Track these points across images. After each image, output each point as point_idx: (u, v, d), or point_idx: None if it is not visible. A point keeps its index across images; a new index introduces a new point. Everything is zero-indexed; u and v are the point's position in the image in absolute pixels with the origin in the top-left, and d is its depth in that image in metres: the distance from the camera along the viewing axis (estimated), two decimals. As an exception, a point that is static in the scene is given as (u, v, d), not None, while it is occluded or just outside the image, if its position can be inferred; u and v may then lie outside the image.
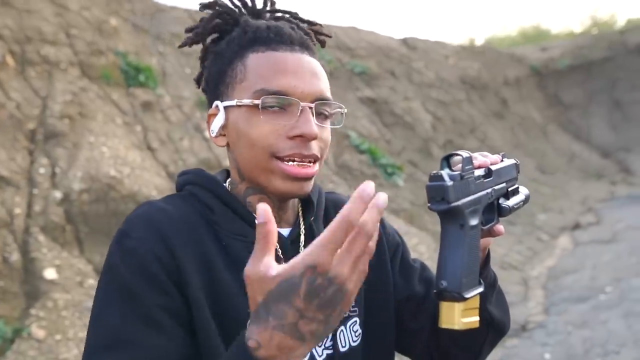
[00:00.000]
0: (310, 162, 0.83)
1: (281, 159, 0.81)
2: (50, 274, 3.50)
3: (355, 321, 0.91)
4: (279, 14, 0.93)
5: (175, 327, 0.74)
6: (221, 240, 0.82)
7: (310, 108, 0.82)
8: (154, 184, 4.51)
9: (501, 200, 0.80)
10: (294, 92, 0.81)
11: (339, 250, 0.55)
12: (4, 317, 3.24)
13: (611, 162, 14.24)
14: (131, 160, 4.59)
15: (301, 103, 0.81)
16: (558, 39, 20.32)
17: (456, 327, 0.70)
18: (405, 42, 12.43)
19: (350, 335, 0.89)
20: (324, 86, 0.85)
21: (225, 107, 0.85)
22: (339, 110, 0.88)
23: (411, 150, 9.35)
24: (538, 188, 10.89)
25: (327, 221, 0.95)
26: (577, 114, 15.78)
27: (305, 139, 0.81)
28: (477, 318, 0.75)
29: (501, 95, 13.78)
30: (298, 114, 0.81)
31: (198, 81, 0.98)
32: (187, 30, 0.95)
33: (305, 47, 0.87)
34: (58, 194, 4.00)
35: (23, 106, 4.49)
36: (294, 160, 0.81)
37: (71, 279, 3.56)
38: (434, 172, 0.70)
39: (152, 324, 0.73)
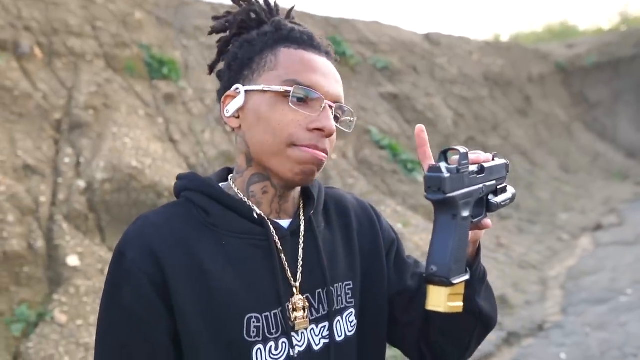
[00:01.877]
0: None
1: (297, 145, 0.85)
2: (72, 260, 3.59)
3: (352, 312, 0.95)
4: (297, 26, 0.97)
5: (170, 344, 0.82)
6: (221, 241, 0.86)
7: (331, 107, 0.87)
8: (174, 175, 4.58)
9: (490, 197, 0.84)
10: (320, 90, 0.86)
11: None
12: (28, 301, 3.34)
13: (636, 163, 13.97)
14: (153, 152, 4.67)
15: (325, 100, 0.86)
16: (585, 35, 19.96)
17: (442, 309, 0.74)
18: (428, 37, 12.34)
19: (346, 325, 0.93)
20: (343, 93, 0.91)
21: (247, 91, 0.88)
22: (349, 118, 0.92)
23: (432, 146, 9.09)
24: (560, 187, 10.75)
25: (326, 215, 0.99)
26: (603, 113, 15.51)
27: (323, 133, 0.85)
28: (462, 303, 0.80)
29: (525, 92, 13.61)
30: (320, 110, 0.85)
31: (212, 67, 1.01)
32: (215, 18, 1.00)
33: (330, 56, 0.93)
34: (82, 183, 4.10)
35: (49, 96, 4.59)
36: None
37: (93, 266, 3.65)
38: (433, 164, 0.75)
39: (150, 342, 0.81)
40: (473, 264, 0.89)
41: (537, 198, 9.62)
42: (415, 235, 5.65)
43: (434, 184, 0.74)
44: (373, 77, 9.40)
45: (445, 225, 0.75)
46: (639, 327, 4.27)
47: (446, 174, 0.73)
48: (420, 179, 7.88)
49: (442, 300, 0.74)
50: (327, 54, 0.92)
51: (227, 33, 0.98)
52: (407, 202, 6.91)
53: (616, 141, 14.89)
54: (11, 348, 3.13)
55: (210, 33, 1.00)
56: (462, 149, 0.77)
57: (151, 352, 0.81)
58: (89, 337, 3.25)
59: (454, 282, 0.74)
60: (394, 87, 9.56)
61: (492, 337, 4.25)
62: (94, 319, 3.36)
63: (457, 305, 0.79)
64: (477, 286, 0.90)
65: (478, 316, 0.92)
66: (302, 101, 0.85)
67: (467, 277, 0.78)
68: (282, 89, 0.84)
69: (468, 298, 0.83)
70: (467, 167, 0.77)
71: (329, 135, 0.86)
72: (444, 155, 0.79)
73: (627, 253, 6.66)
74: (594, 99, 15.72)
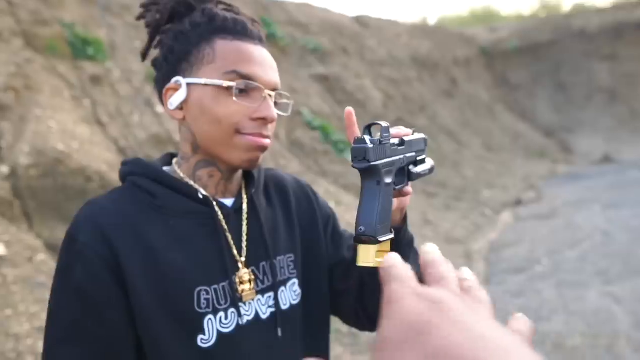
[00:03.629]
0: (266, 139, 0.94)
1: (242, 134, 0.91)
2: (-3, 249, 3.46)
3: (295, 282, 1.02)
4: (224, 6, 1.00)
5: (121, 319, 0.85)
6: (167, 222, 0.91)
7: (271, 96, 0.93)
8: (103, 159, 4.47)
9: (411, 167, 0.94)
10: (259, 80, 0.91)
11: None
12: (-51, 292, 3.20)
13: (553, 142, 14.87)
14: (80, 135, 4.52)
15: (265, 90, 0.92)
16: (507, 20, 20.83)
17: (371, 264, 0.82)
18: (358, 19, 12.50)
19: (290, 295, 1.01)
20: (279, 79, 0.97)
21: (188, 84, 0.92)
22: (285, 101, 0.99)
23: (362, 127, 9.48)
24: (484, 165, 11.29)
25: (267, 194, 1.06)
26: (523, 95, 16.34)
27: (266, 121, 0.92)
28: None
29: (451, 75, 14.10)
30: (261, 99, 0.91)
31: (145, 55, 1.03)
32: (143, 6, 1.01)
33: (263, 42, 0.97)
34: (5, 169, 3.93)
35: (-36, 77, 4.34)
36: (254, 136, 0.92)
37: (20, 254, 3.53)
38: (357, 136, 0.83)
39: (103, 318, 0.84)
40: (401, 229, 0.97)
41: (462, 176, 10.07)
42: (347, 213, 5.80)
43: (359, 154, 0.81)
44: (303, 59, 9.44)
45: (370, 191, 0.83)
46: (552, 293, 4.64)
47: (370, 145, 0.81)
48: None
49: (370, 256, 0.82)
50: (260, 41, 0.96)
51: (148, 18, 0.99)
52: (339, 181, 7.06)
53: (535, 121, 15.76)
54: None
55: (139, 18, 1.02)
56: (384, 124, 0.84)
57: (107, 332, 0.84)
58: (20, 327, 3.16)
59: (380, 239, 0.82)
60: (324, 68, 9.65)
61: (421, 308, 4.48)
62: (24, 308, 3.26)
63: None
64: (405, 249, 0.98)
65: None
66: (244, 92, 0.90)
67: (392, 236, 0.86)
68: (225, 83, 0.89)
69: None
70: (389, 140, 0.85)
71: (271, 122, 0.93)
72: (368, 129, 0.86)
73: (544, 226, 7.15)
74: (514, 81, 16.53)
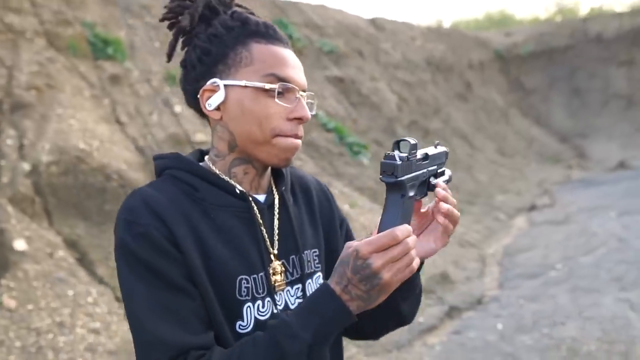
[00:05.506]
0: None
1: (282, 136, 0.96)
2: (20, 245, 3.53)
3: (319, 275, 1.08)
4: (244, 9, 1.05)
5: (193, 288, 0.90)
6: (209, 213, 0.95)
7: (303, 96, 0.98)
8: (123, 158, 4.54)
9: (431, 179, 1.00)
10: (294, 82, 0.97)
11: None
12: (-27, 286, 3.27)
13: (568, 147, 14.77)
14: (100, 134, 4.59)
15: (299, 91, 0.97)
16: (522, 24, 20.72)
17: None
18: (373, 22, 12.51)
19: (315, 287, 1.05)
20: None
21: (226, 86, 0.96)
22: (311, 101, 1.03)
23: (376, 129, 9.51)
24: (497, 170, 11.25)
25: (292, 191, 1.11)
26: (538, 100, 16.24)
27: (302, 121, 0.98)
28: None
29: (465, 78, 14.06)
30: (296, 100, 0.97)
31: (170, 56, 1.06)
32: (169, 8, 1.02)
33: (290, 45, 1.02)
34: (26, 166, 4.00)
35: (-12, 76, 4.42)
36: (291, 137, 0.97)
37: (41, 250, 3.60)
38: (388, 152, 0.90)
39: (180, 289, 0.88)
40: (414, 278, 1.03)
41: (476, 180, 10.04)
42: (361, 215, 5.83)
43: (388, 169, 0.88)
44: (319, 61, 9.48)
45: (394, 203, 0.90)
46: (566, 299, 4.62)
47: (398, 162, 0.88)
48: (365, 161, 8.09)
49: None
50: (288, 44, 1.02)
51: (183, 22, 1.01)
52: (354, 183, 7.08)
53: (549, 126, 15.65)
54: (-43, 333, 3.06)
55: (165, 21, 1.03)
56: (412, 141, 0.92)
57: (184, 299, 0.88)
58: (41, 322, 3.22)
59: None
60: (339, 70, 9.67)
61: (435, 311, 4.50)
62: (44, 303, 3.33)
63: None
64: (405, 294, 1.03)
65: (396, 315, 1.08)
66: (280, 94, 0.95)
67: None
68: (267, 85, 0.94)
69: (394, 298, 0.93)
70: (415, 155, 0.92)
71: (306, 121, 0.98)
72: (396, 144, 0.93)
73: (558, 231, 7.11)
74: (529, 86, 16.42)
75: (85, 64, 5.37)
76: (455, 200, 1.00)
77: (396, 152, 0.89)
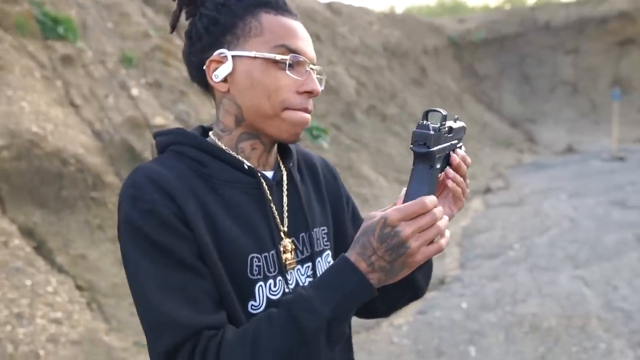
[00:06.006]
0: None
1: (292, 109, 0.92)
2: (-29, 233, 3.34)
3: (329, 254, 1.05)
4: None
5: (203, 266, 0.85)
6: (216, 190, 0.91)
7: (313, 69, 0.94)
8: (79, 142, 4.36)
9: (451, 153, 0.98)
10: (304, 54, 0.92)
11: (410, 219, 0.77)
12: None
13: (519, 132, 15.22)
14: (54, 117, 4.39)
15: (309, 64, 0.93)
16: (474, 12, 21.10)
17: None
18: (330, 6, 12.46)
19: (325, 265, 1.03)
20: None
21: (234, 57, 0.91)
22: (320, 76, 0.99)
23: (335, 114, 9.52)
24: (453, 154, 11.47)
25: (299, 169, 1.07)
26: (490, 86, 16.64)
27: (312, 94, 0.93)
28: None
29: (420, 64, 14.23)
30: (306, 73, 0.92)
31: (174, 26, 1.01)
32: None
33: (298, 18, 0.98)
34: (-25, 150, 3.78)
35: None
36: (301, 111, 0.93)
37: (-5, 238, 3.42)
38: (422, 122, 0.87)
39: (190, 267, 0.83)
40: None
41: (432, 164, 10.20)
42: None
43: (421, 138, 0.85)
44: (278, 45, 9.36)
45: (422, 174, 0.88)
46: (526, 277, 4.77)
47: (432, 132, 0.85)
48: (325, 145, 8.09)
49: None
50: (297, 17, 0.97)
51: None
52: (315, 168, 7.06)
53: (501, 112, 16.08)
54: None
55: None
56: (443, 111, 0.88)
57: (194, 276, 0.83)
58: (-3, 312, 3.07)
59: None
60: (298, 55, 9.59)
61: (400, 293, 4.55)
62: (1, 294, 3.17)
63: None
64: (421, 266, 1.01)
65: (411, 286, 1.06)
66: (290, 66, 0.91)
67: None
68: (277, 57, 0.89)
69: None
70: (445, 127, 0.90)
71: (316, 95, 0.94)
72: (426, 114, 0.90)
73: (513, 213, 7.33)
74: (482, 72, 16.80)
75: (34, 44, 5.11)
76: (466, 168, 0.98)
77: (430, 123, 0.86)
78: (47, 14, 5.42)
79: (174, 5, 1.00)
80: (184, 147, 0.93)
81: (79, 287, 3.54)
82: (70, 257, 3.68)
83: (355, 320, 1.09)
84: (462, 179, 0.98)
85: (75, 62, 5.30)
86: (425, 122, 0.87)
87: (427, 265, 1.06)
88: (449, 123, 0.94)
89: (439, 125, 0.88)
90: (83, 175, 4.04)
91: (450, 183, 0.96)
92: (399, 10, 21.84)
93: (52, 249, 3.67)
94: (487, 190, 8.94)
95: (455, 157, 0.95)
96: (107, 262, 3.81)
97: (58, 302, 3.32)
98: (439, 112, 0.89)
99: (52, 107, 4.52)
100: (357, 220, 1.16)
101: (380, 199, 7.20)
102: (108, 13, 6.27)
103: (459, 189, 0.97)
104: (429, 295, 4.54)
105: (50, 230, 3.76)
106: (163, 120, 5.25)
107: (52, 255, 3.64)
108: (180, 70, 6.28)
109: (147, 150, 4.79)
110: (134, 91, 5.42)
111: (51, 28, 5.35)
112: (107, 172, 4.35)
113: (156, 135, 0.98)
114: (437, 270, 5.06)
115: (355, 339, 3.91)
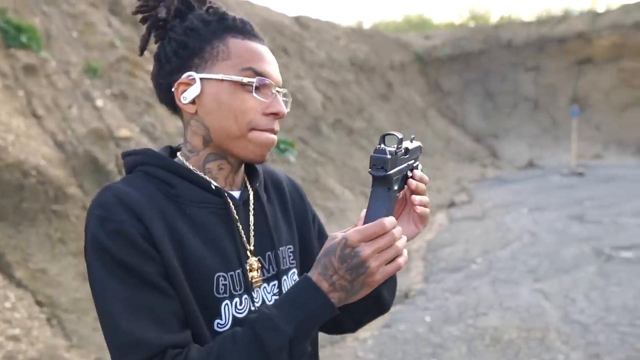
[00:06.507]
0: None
1: (258, 130, 0.95)
2: None
3: (294, 272, 1.08)
4: (234, 14, 1.04)
5: (170, 286, 0.86)
6: (184, 210, 0.93)
7: (279, 92, 0.97)
8: (41, 153, 4.27)
9: (409, 173, 1.02)
10: (270, 77, 0.96)
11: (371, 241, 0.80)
12: None
13: (482, 147, 15.56)
14: (15, 127, 4.30)
15: (275, 87, 0.96)
16: (439, 28, 21.55)
17: None
18: (298, 20, 12.56)
19: (291, 283, 1.05)
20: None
21: (202, 79, 0.93)
22: (285, 99, 1.02)
23: (302, 128, 9.56)
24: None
25: (265, 188, 1.09)
26: (454, 101, 16.98)
27: (277, 116, 0.96)
28: None
29: (387, 79, 14.44)
30: (272, 95, 0.96)
31: (142, 49, 1.03)
32: (144, 0, 1.00)
33: (265, 43, 1.01)
34: None
35: None
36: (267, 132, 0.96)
37: (-49, 252, 3.32)
38: (379, 146, 0.91)
39: (157, 288, 0.85)
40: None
41: (398, 178, 10.34)
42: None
43: (378, 162, 0.89)
44: (246, 57, 9.38)
45: (380, 196, 0.91)
46: (488, 290, 4.87)
47: (389, 156, 0.89)
48: (292, 159, 8.12)
49: None
50: (264, 42, 1.01)
51: (160, 13, 0.98)
52: (282, 181, 7.07)
53: (465, 127, 16.42)
54: None
55: (138, 14, 1.01)
56: (399, 135, 0.93)
57: (162, 298, 0.85)
58: (-49, 329, 2.97)
59: None
60: (266, 68, 9.62)
61: (365, 306, 4.59)
62: (-45, 308, 3.07)
63: None
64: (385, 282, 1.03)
65: (377, 301, 1.08)
66: (257, 89, 0.94)
67: None
68: (245, 79, 0.92)
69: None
70: (402, 149, 0.93)
71: (282, 117, 0.97)
72: (382, 138, 0.93)
73: (476, 227, 7.48)
74: (446, 87, 17.15)
75: (-4, 53, 5.00)
76: (424, 187, 1.02)
77: (387, 147, 0.90)
78: (9, 22, 5.31)
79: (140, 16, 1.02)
80: (152, 167, 0.95)
81: (38, 303, 3.46)
82: (30, 271, 3.60)
83: (321, 335, 1.12)
84: (427, 200, 1.02)
85: (39, 71, 5.20)
86: (382, 146, 0.90)
87: (392, 281, 1.09)
88: (405, 144, 0.98)
89: (395, 148, 0.91)
90: (44, 187, 3.96)
91: (418, 209, 1.00)
92: (367, 25, 22.11)
93: (11, 262, 3.58)
94: (451, 204, 9.10)
95: (412, 182, 0.99)
96: (68, 277, 3.73)
97: (16, 318, 3.23)
98: (395, 135, 0.93)
99: (14, 118, 4.43)
100: (322, 238, 1.19)
101: (346, 213, 7.25)
102: (73, 22, 6.19)
103: (427, 210, 1.02)
104: (393, 309, 4.59)
105: (9, 243, 3.67)
106: (128, 132, 5.19)
107: (11, 270, 3.55)
108: (146, 81, 6.22)
109: (111, 162, 4.73)
110: (99, 102, 5.34)
111: (14, 36, 5.24)
112: (69, 184, 4.27)
113: (125, 155, 1.00)
114: (401, 284, 5.12)
115: (321, 353, 3.92)
